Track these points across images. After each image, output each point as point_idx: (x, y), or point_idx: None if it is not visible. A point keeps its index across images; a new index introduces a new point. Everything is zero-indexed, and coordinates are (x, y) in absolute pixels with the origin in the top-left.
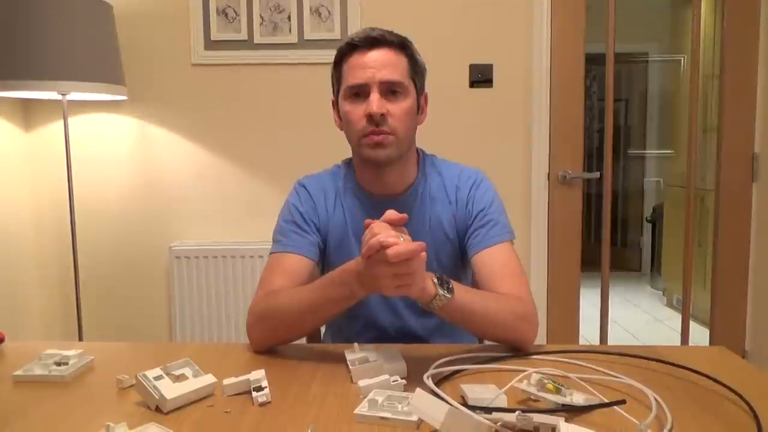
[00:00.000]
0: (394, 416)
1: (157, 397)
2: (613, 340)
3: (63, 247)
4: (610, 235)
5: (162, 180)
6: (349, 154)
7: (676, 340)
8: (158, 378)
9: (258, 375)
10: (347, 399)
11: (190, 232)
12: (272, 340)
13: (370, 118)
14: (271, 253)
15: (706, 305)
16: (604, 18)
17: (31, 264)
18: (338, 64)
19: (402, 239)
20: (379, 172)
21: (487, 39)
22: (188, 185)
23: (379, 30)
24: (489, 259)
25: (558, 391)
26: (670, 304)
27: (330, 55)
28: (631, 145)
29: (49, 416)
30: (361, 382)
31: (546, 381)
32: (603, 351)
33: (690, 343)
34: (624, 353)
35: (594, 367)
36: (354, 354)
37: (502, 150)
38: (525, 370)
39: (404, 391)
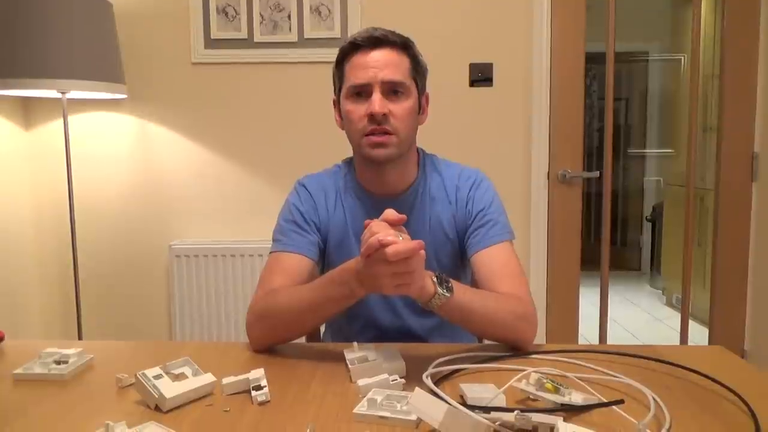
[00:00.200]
0: (393, 415)
1: (157, 396)
2: (612, 340)
3: (63, 245)
4: (609, 234)
5: (162, 178)
6: (349, 153)
7: (676, 340)
8: (158, 377)
9: (257, 374)
10: (346, 398)
11: (189, 230)
12: (272, 339)
13: (371, 117)
14: (271, 253)
15: (705, 305)
16: (605, 17)
17: (31, 262)
18: (340, 63)
19: (401, 238)
20: (379, 171)
21: (487, 38)
22: (188, 184)
23: (382, 30)
24: (488, 258)
25: (557, 391)
26: (669, 304)
27: (330, 53)
28: (631, 145)
29: (49, 415)
30: (361, 382)
31: (545, 380)
32: (602, 350)
33: (689, 343)
34: (623, 353)
35: (593, 366)
36: (353, 353)
37: (501, 149)
38: (524, 370)
39: (403, 390)
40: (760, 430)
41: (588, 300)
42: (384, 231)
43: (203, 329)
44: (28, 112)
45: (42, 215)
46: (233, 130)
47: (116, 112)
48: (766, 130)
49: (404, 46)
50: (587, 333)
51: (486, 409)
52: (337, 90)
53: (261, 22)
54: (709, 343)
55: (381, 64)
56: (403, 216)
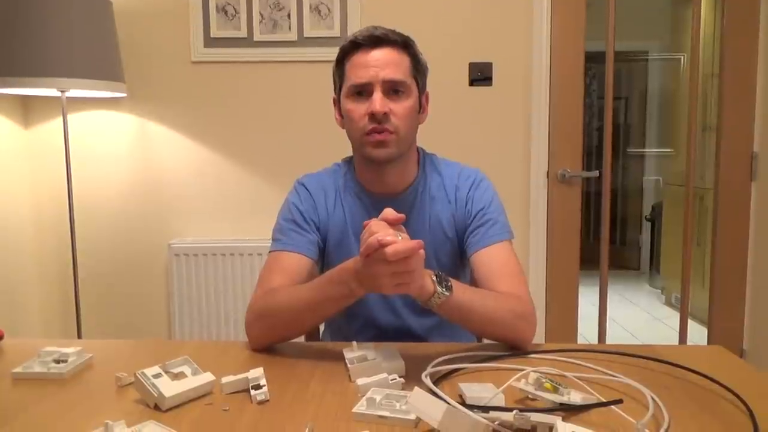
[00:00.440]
0: (392, 415)
1: (156, 395)
2: (611, 339)
3: (62, 244)
4: (609, 233)
5: (161, 177)
6: (348, 152)
7: (675, 339)
8: (157, 376)
9: (256, 373)
10: (345, 397)
11: (189, 229)
12: (271, 339)
13: (372, 116)
14: (270, 252)
15: (704, 304)
16: (604, 16)
17: (31, 261)
18: (341, 62)
19: (400, 238)
20: (379, 170)
21: (487, 37)
22: (187, 182)
23: (383, 29)
24: (488, 258)
25: (556, 391)
26: (668, 303)
27: (329, 52)
28: (631, 144)
29: (48, 414)
30: (360, 381)
31: (544, 380)
32: (601, 350)
33: (688, 342)
34: (622, 352)
35: (592, 366)
36: (352, 352)
37: (501, 148)
38: (523, 369)
39: (402, 389)
40: (758, 430)
41: (587, 299)
42: (383, 230)
43: (202, 328)
44: (28, 110)
45: (41, 214)
46: (233, 129)
47: (116, 111)
48: (765, 129)
49: (405, 45)
50: (586, 332)
51: (485, 409)
52: (338, 89)
53: (261, 21)
54: (708, 342)
55: (382, 63)
56: (402, 215)
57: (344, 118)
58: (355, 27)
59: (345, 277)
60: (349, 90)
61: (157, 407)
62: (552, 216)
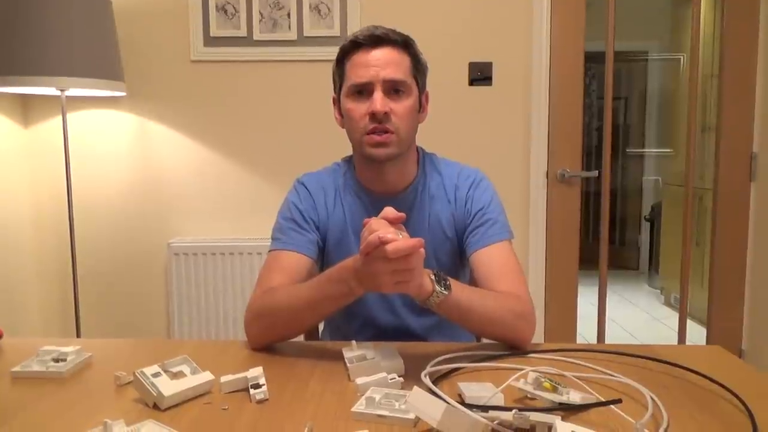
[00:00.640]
0: (391, 414)
1: (155, 394)
2: (610, 339)
3: (61, 243)
4: (608, 233)
5: (161, 176)
6: (348, 151)
7: (674, 339)
8: (156, 375)
9: (256, 372)
10: (345, 396)
11: (188, 228)
12: (270, 338)
13: (372, 116)
14: (269, 251)
15: (703, 304)
16: (604, 16)
17: (30, 260)
18: (341, 61)
19: (400, 236)
20: (379, 170)
21: (487, 37)
22: (187, 182)
23: (383, 28)
24: (487, 257)
25: (555, 390)
26: (667, 303)
27: (329, 52)
28: (630, 144)
29: (47, 413)
30: (359, 380)
31: (543, 379)
32: (600, 350)
33: (687, 342)
34: (621, 352)
35: (591, 366)
36: (352, 352)
37: (501, 148)
38: (522, 369)
39: (401, 389)
40: (757, 430)
41: (586, 299)
42: (383, 229)
43: (202, 327)
44: (27, 109)
45: (41, 213)
46: (232, 128)
47: (115, 110)
48: (764, 129)
49: (405, 44)
50: (585, 332)
51: (484, 408)
52: (338, 88)
53: (260, 20)
54: (707, 342)
55: (382, 62)
56: (402, 214)
57: (344, 118)
58: (355, 26)
59: (344, 276)
60: (349, 89)
61: (156, 406)
62: (551, 216)
